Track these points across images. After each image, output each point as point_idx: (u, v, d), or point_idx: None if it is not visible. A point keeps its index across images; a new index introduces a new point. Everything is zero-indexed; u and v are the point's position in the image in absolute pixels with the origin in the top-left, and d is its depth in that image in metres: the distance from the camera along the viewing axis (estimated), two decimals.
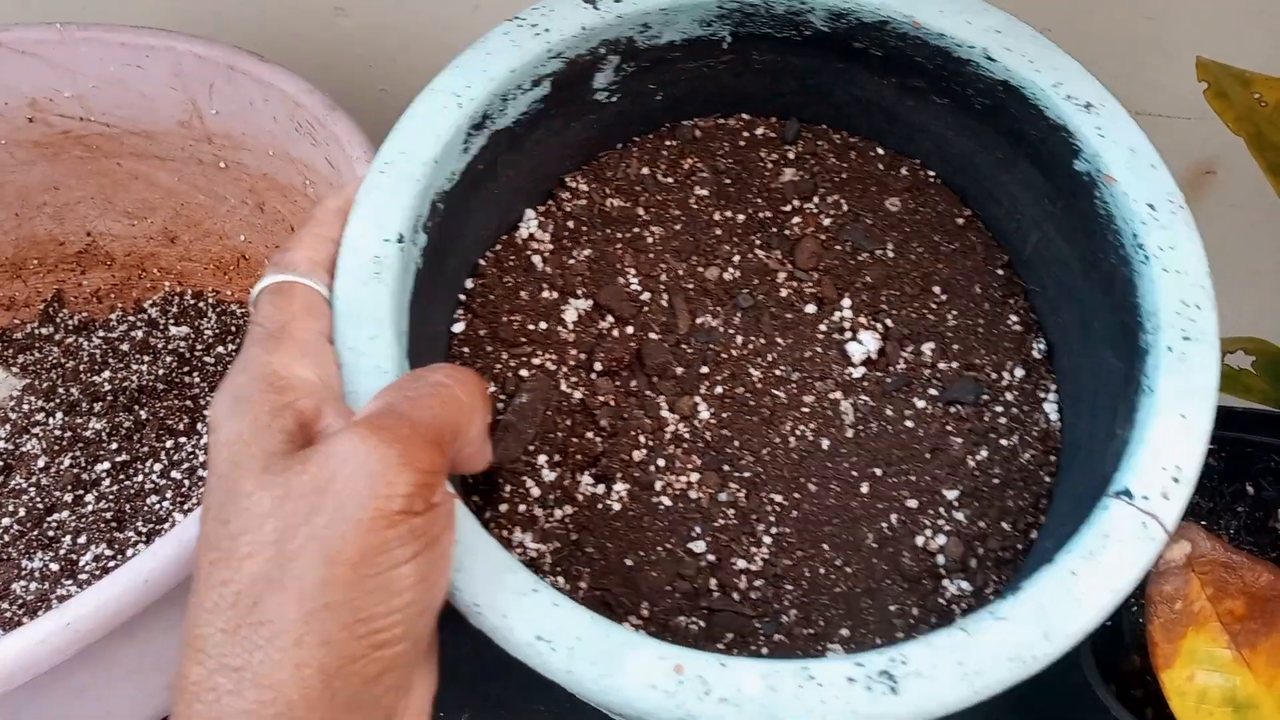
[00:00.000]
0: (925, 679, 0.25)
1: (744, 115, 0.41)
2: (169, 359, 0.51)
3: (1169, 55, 0.42)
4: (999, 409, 0.36)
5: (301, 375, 0.27)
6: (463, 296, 0.38)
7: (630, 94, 0.38)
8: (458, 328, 0.37)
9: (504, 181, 0.37)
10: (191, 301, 0.53)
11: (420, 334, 0.34)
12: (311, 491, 0.23)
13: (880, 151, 0.40)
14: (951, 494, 0.35)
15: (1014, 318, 0.38)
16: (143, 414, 0.49)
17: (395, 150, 0.31)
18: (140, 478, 0.47)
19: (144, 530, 0.45)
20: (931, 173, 0.40)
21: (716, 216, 0.40)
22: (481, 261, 0.38)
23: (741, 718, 0.24)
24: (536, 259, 0.39)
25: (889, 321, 0.38)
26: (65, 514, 0.45)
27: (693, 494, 0.36)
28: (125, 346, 0.51)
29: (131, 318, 0.53)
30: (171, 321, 0.53)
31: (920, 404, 0.37)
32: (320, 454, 0.23)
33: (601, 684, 0.25)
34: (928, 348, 0.37)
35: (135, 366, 0.51)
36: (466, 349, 0.37)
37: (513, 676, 0.50)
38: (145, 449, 0.48)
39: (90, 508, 0.45)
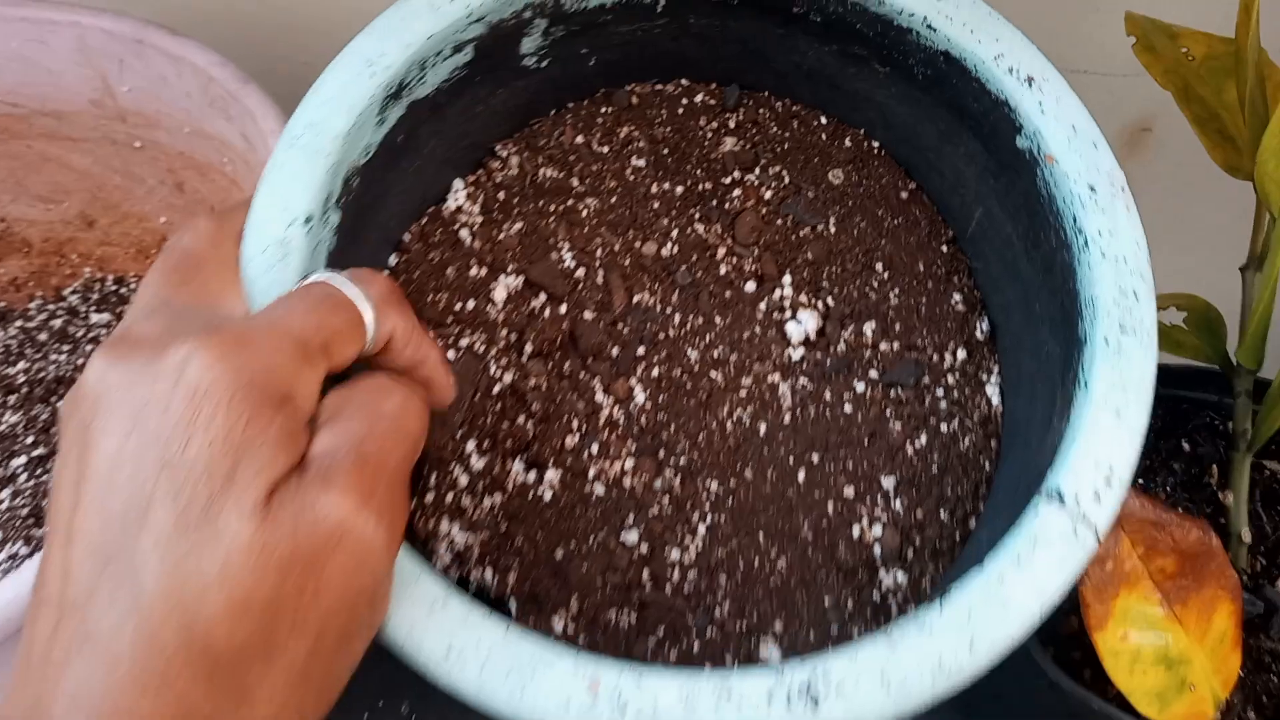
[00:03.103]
0: (847, 695, 0.25)
1: (683, 80, 0.39)
2: (89, 348, 0.49)
3: (1103, 11, 0.42)
4: (940, 392, 0.36)
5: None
6: (385, 273, 0.36)
7: (561, 59, 0.37)
8: None
9: (427, 152, 0.36)
10: (113, 287, 0.52)
11: None
12: (302, 568, 0.22)
13: (824, 121, 0.39)
14: (889, 482, 0.35)
15: (957, 296, 0.37)
16: (60, 406, 0.48)
17: (303, 123, 0.30)
18: None
19: None
20: (876, 143, 0.39)
21: (654, 188, 0.39)
22: (405, 236, 0.37)
23: None
24: (464, 233, 0.37)
25: (830, 300, 0.37)
26: None
27: (627, 481, 0.35)
28: (43, 336, 0.50)
29: (51, 306, 0.52)
30: (93, 309, 0.51)
31: (860, 387, 0.36)
32: (308, 521, 0.22)
33: (514, 704, 0.24)
34: (869, 327, 0.37)
35: (53, 357, 0.49)
36: None
37: None
38: None
39: (5, 505, 0.44)
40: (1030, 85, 0.31)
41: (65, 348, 0.49)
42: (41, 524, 0.44)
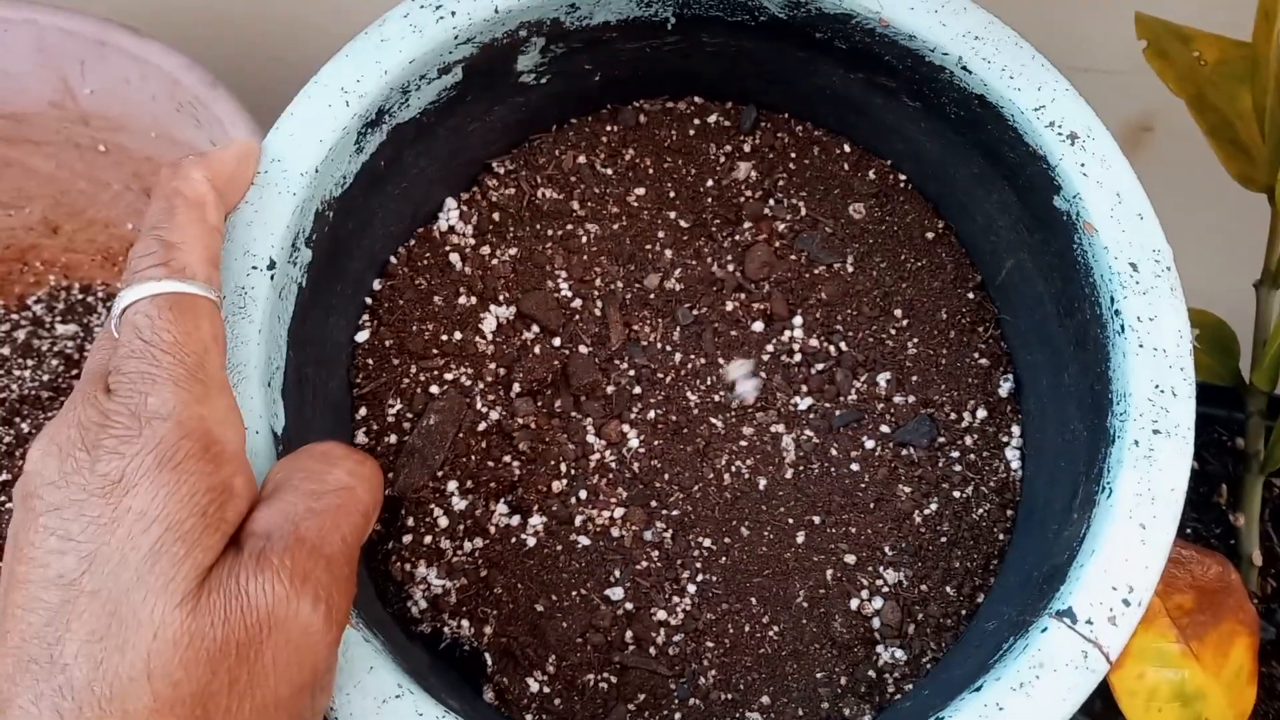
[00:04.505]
0: None
1: (695, 99, 0.37)
2: (55, 362, 0.47)
3: (1103, 7, 0.39)
4: (955, 454, 0.34)
5: (232, 440, 0.24)
6: (369, 299, 0.34)
7: (562, 75, 0.34)
8: (362, 336, 0.34)
9: (415, 173, 0.34)
10: (79, 296, 0.50)
11: (310, 356, 0.31)
12: (234, 658, 0.21)
13: (847, 149, 0.36)
14: (893, 552, 0.33)
15: (981, 349, 0.35)
16: (25, 427, 0.46)
17: (269, 158, 0.28)
18: None
19: None
20: (903, 176, 0.36)
21: (660, 216, 0.36)
22: (392, 259, 0.35)
23: None
24: (455, 257, 0.35)
25: (843, 345, 0.35)
26: None
27: (615, 531, 0.34)
28: (5, 350, 0.48)
29: (15, 316, 0.49)
30: (58, 319, 0.49)
31: (869, 444, 0.34)
32: (240, 608, 0.21)
33: None
34: (883, 378, 0.35)
35: (17, 373, 0.47)
36: (370, 361, 0.34)
37: None
38: None
39: None
40: (1073, 143, 0.28)
41: (29, 363, 0.47)
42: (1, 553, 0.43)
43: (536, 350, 0.35)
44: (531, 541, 0.33)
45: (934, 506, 0.33)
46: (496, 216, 0.36)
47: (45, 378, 0.47)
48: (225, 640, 0.21)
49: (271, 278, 0.27)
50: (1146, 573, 0.24)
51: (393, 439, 0.34)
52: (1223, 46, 0.39)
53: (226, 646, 0.21)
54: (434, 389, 0.34)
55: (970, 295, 0.35)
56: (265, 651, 0.21)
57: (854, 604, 0.32)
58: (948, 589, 0.32)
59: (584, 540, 0.33)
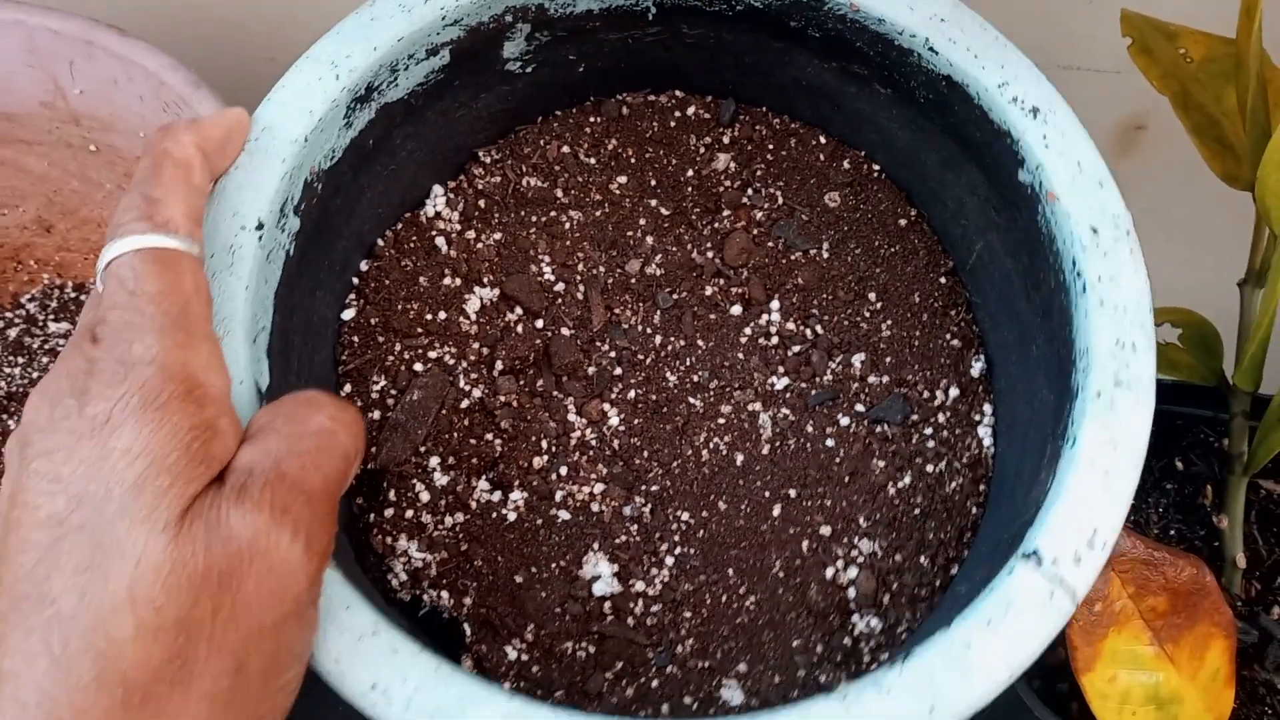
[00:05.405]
0: None
1: (677, 92, 0.38)
2: (45, 360, 0.48)
3: (1096, 6, 0.40)
4: (928, 431, 0.34)
5: (216, 384, 0.24)
6: (356, 280, 0.35)
7: (547, 64, 0.35)
8: (348, 314, 0.35)
9: (404, 156, 0.35)
10: (73, 295, 0.50)
11: (297, 324, 0.32)
12: (217, 586, 0.22)
13: (823, 140, 0.37)
14: (868, 523, 0.33)
15: (954, 330, 0.35)
16: (13, 424, 0.46)
17: (260, 126, 0.29)
18: None
19: None
20: (876, 167, 0.37)
21: (641, 204, 0.37)
22: (379, 241, 0.36)
23: None
24: (441, 240, 0.36)
25: (819, 328, 0.36)
26: None
27: (595, 507, 0.34)
28: None
29: (8, 314, 0.50)
30: (51, 317, 0.50)
31: (844, 421, 0.34)
32: (221, 537, 0.22)
33: None
34: (858, 359, 0.35)
35: (7, 370, 0.48)
36: (356, 338, 0.35)
37: None
38: None
39: None
40: (1035, 117, 0.29)
41: (20, 360, 0.48)
42: None
43: (519, 331, 0.36)
44: (512, 516, 0.34)
45: (907, 480, 0.34)
46: (482, 203, 0.37)
47: (35, 375, 0.47)
48: (208, 568, 0.21)
49: (260, 239, 0.28)
50: (1109, 517, 0.25)
51: (376, 415, 0.34)
52: (1209, 44, 0.39)
53: (209, 574, 0.21)
54: (418, 366, 0.35)
55: (942, 280, 0.36)
56: (247, 581, 0.22)
57: (829, 574, 0.32)
58: (922, 559, 0.32)
59: (564, 515, 0.34)
